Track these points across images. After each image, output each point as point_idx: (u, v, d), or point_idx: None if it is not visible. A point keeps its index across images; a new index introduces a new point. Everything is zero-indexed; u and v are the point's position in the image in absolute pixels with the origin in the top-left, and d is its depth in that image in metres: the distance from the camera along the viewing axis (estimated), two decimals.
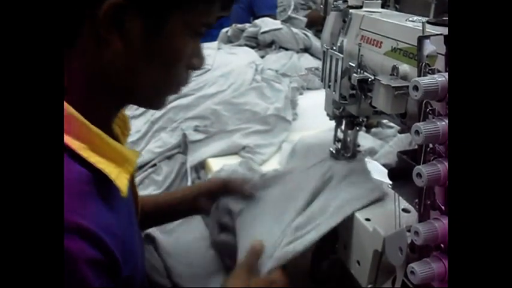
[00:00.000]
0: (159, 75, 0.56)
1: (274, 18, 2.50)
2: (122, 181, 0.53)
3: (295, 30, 1.88)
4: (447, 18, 0.57)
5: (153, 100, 0.61)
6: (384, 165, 0.94)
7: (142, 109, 1.37)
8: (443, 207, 0.49)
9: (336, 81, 0.74)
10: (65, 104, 0.50)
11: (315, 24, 2.53)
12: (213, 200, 0.87)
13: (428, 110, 0.49)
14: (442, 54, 0.50)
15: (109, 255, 0.50)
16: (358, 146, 0.86)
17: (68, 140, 0.49)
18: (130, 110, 1.38)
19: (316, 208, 0.75)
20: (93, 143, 0.51)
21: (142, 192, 1.10)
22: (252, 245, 0.73)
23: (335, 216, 0.72)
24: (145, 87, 0.57)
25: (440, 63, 0.50)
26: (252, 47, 1.85)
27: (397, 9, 1.74)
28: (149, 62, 0.54)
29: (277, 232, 0.75)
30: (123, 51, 0.52)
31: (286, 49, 1.83)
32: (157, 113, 1.34)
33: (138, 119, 1.36)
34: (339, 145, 0.86)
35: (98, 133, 0.52)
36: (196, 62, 0.61)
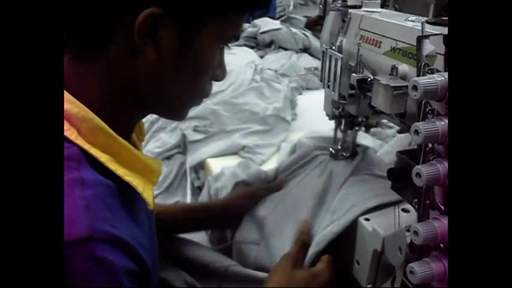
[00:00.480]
0: (187, 86, 0.56)
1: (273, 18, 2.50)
2: (148, 193, 0.53)
3: (294, 30, 1.88)
4: (446, 18, 0.58)
5: (176, 110, 0.60)
6: None
7: None
8: (442, 207, 0.49)
9: (335, 81, 0.74)
10: (94, 116, 0.49)
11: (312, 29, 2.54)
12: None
13: (427, 109, 0.49)
14: (441, 54, 0.50)
15: (142, 266, 0.49)
16: (358, 145, 0.86)
17: (95, 152, 0.49)
18: None
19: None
20: (120, 155, 0.51)
21: None
22: (301, 226, 0.74)
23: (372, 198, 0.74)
24: (172, 97, 0.56)
25: (439, 63, 0.50)
26: (251, 47, 1.85)
27: (396, 9, 1.74)
28: (179, 73, 0.54)
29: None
30: (157, 61, 0.51)
31: (286, 49, 1.83)
32: None
33: None
34: (339, 145, 0.86)
35: (124, 145, 0.52)
36: (219, 73, 0.60)
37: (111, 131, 0.51)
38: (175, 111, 0.60)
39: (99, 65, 0.51)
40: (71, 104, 0.49)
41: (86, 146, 0.48)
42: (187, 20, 0.51)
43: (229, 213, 0.88)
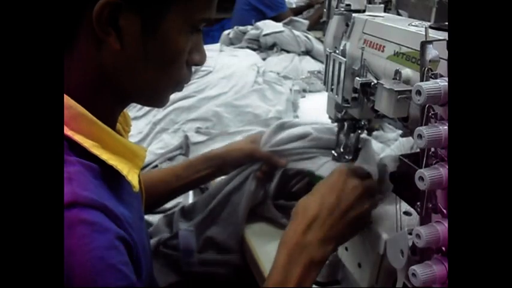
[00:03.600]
0: (159, 73, 0.56)
1: (287, 14, 2.50)
2: (133, 176, 0.54)
3: (296, 32, 1.88)
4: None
5: (154, 98, 0.61)
6: None
7: (144, 110, 1.38)
8: (444, 211, 0.50)
9: (338, 84, 0.74)
10: (75, 103, 0.50)
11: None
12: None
13: (430, 114, 0.49)
14: (444, 59, 0.50)
15: (130, 239, 0.50)
16: (360, 149, 0.87)
17: (79, 138, 0.49)
18: (132, 112, 1.39)
19: None
20: (104, 140, 0.52)
21: None
22: None
23: None
24: (146, 85, 0.57)
25: (442, 68, 0.50)
26: (254, 49, 1.86)
27: (398, 14, 1.75)
28: (148, 61, 0.54)
29: None
30: (122, 50, 0.52)
31: (288, 51, 1.84)
32: (159, 115, 1.34)
33: (140, 120, 1.37)
34: (341, 148, 0.86)
35: (107, 131, 0.53)
36: (197, 57, 0.60)
37: (94, 117, 0.51)
38: (153, 98, 0.60)
39: (71, 58, 0.52)
40: None
41: (69, 133, 0.49)
42: (148, 7, 0.51)
43: (226, 163, 0.94)
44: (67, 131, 0.49)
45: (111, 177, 0.52)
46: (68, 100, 0.50)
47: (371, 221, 0.65)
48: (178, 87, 0.61)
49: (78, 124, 0.50)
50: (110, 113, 0.59)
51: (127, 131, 0.69)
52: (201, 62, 0.61)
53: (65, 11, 0.48)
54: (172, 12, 0.52)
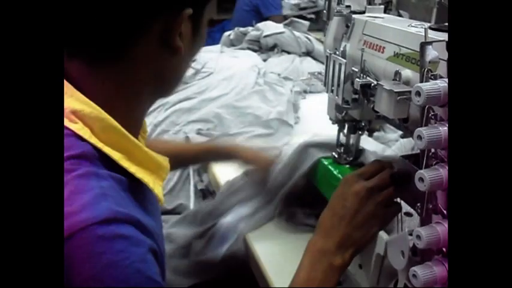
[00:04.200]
0: (189, 66, 0.62)
1: (282, 18, 2.51)
2: (158, 189, 0.55)
3: (297, 33, 1.88)
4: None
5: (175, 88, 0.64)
6: None
7: None
8: (445, 212, 0.50)
9: (338, 85, 0.74)
10: (106, 115, 0.51)
11: None
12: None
13: (430, 115, 0.49)
14: (444, 60, 0.50)
15: (159, 250, 0.50)
16: (361, 150, 0.87)
17: (108, 151, 0.50)
18: None
19: None
20: (131, 153, 0.53)
21: None
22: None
23: None
24: (180, 79, 0.61)
25: (442, 69, 0.50)
26: (255, 51, 1.86)
27: (399, 14, 1.75)
28: (191, 57, 0.60)
29: None
30: (184, 54, 0.55)
31: (289, 52, 1.84)
32: (160, 116, 1.35)
33: None
34: (341, 149, 0.86)
35: (135, 143, 0.53)
36: None
37: (123, 129, 0.52)
38: (174, 89, 0.63)
39: (120, 68, 0.53)
40: (84, 104, 0.50)
41: (99, 145, 0.50)
42: (196, 11, 0.54)
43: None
44: (98, 143, 0.50)
45: (137, 189, 0.52)
46: (100, 113, 0.51)
47: (397, 209, 0.66)
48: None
49: (108, 136, 0.51)
50: (139, 120, 0.60)
51: (144, 138, 0.70)
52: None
53: (128, 24, 0.50)
54: (205, 12, 0.57)
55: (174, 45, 0.53)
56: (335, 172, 0.86)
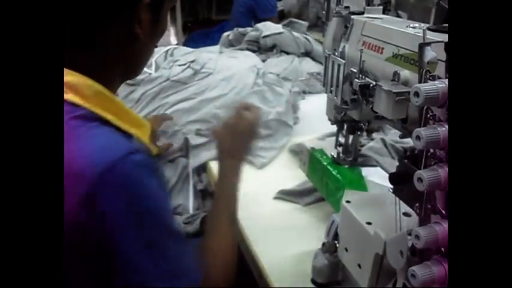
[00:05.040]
0: (153, 49, 0.70)
1: (276, 19, 2.53)
2: (148, 142, 0.63)
3: (296, 34, 1.89)
4: (447, 25, 0.58)
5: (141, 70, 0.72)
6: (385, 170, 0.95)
7: (144, 113, 1.38)
8: (443, 211, 0.50)
9: (337, 86, 0.74)
10: (93, 82, 0.59)
11: None
12: None
13: (429, 115, 0.49)
14: (442, 61, 0.50)
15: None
16: (360, 149, 0.87)
17: (101, 112, 0.58)
18: None
19: None
20: (119, 113, 0.60)
21: None
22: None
23: None
24: (145, 61, 0.70)
25: (440, 69, 0.51)
26: (254, 51, 1.86)
27: (398, 15, 1.75)
28: (152, 42, 0.67)
29: None
30: (143, 38, 0.62)
31: (288, 53, 1.84)
32: None
33: None
34: (340, 149, 0.86)
35: (121, 105, 0.62)
36: None
37: (110, 93, 0.61)
38: (141, 71, 0.72)
39: (92, 53, 0.61)
40: (70, 75, 0.57)
41: (93, 108, 0.57)
42: (155, 1, 0.62)
43: None
44: (91, 107, 0.57)
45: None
46: (87, 80, 0.58)
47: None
48: None
49: (98, 99, 0.58)
50: (115, 89, 0.68)
51: None
52: None
53: (101, 14, 0.58)
54: (165, 2, 0.65)
55: (134, 32, 0.61)
56: (334, 172, 0.87)
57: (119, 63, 0.64)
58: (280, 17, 2.79)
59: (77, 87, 0.57)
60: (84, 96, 0.57)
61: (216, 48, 1.74)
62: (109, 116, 0.59)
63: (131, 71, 0.69)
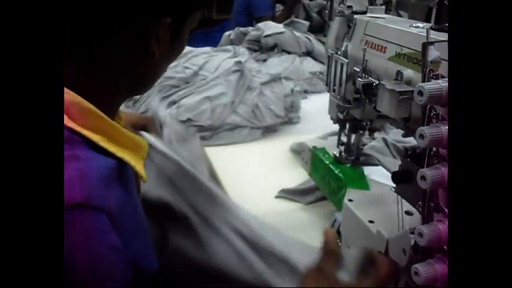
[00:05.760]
0: (166, 68, 0.65)
1: (272, 18, 2.53)
2: (140, 168, 0.57)
3: (297, 33, 1.89)
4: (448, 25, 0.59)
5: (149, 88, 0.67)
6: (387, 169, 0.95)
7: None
8: (446, 210, 0.50)
9: (340, 85, 0.75)
10: (81, 99, 0.53)
11: None
12: None
13: (432, 114, 0.50)
14: (445, 60, 0.51)
15: (126, 236, 0.52)
16: (362, 149, 0.88)
17: (87, 133, 0.52)
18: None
19: None
20: (110, 134, 0.55)
21: None
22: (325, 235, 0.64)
23: None
24: (156, 80, 0.65)
25: (444, 68, 0.51)
26: (255, 51, 1.86)
27: (399, 15, 1.75)
28: (168, 62, 0.63)
29: None
30: (158, 57, 0.57)
31: (289, 52, 1.84)
32: None
33: None
34: (343, 148, 0.87)
35: (113, 125, 0.56)
36: None
37: (99, 111, 0.54)
38: (149, 88, 0.67)
39: (92, 64, 0.55)
40: None
41: (78, 128, 0.51)
42: (177, 18, 0.57)
43: None
44: (76, 127, 0.51)
45: (118, 169, 0.54)
46: (74, 97, 0.52)
47: None
48: None
49: (85, 119, 0.52)
50: (116, 106, 0.63)
51: (121, 125, 0.70)
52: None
53: (105, 22, 0.53)
54: (188, 20, 0.60)
55: (149, 49, 0.56)
56: (336, 171, 0.87)
57: (126, 78, 0.59)
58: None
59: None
60: (69, 116, 0.51)
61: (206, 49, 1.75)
62: (95, 137, 0.53)
63: (139, 88, 0.65)
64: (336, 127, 0.89)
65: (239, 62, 1.49)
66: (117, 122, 0.69)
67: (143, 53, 0.56)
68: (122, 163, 0.55)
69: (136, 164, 0.57)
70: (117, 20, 0.53)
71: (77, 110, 0.52)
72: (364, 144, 0.88)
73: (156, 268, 0.63)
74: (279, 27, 1.93)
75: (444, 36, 0.54)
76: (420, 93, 0.47)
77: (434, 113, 0.50)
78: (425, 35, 0.54)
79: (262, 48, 1.88)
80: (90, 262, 0.47)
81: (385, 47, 0.66)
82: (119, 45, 0.55)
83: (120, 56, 0.56)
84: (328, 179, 0.90)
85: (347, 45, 0.76)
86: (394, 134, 1.17)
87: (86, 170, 0.49)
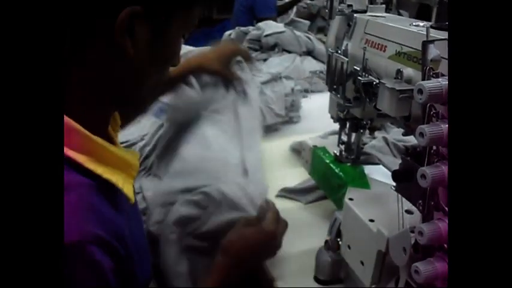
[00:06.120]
0: (157, 76, 0.59)
1: (274, 19, 2.53)
2: (128, 188, 0.54)
3: (298, 33, 1.89)
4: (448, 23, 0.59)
5: (147, 103, 0.66)
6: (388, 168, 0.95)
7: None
8: (446, 208, 0.50)
9: (340, 84, 0.75)
10: (68, 119, 0.50)
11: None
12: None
13: (432, 112, 0.50)
14: (445, 59, 0.51)
15: (120, 259, 0.51)
16: (362, 148, 0.88)
17: (72, 154, 0.49)
18: None
19: None
20: (97, 154, 0.52)
21: None
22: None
23: None
24: (146, 89, 0.59)
25: (443, 67, 0.51)
26: (255, 50, 1.86)
27: (399, 14, 1.75)
28: (152, 65, 0.56)
29: None
30: (134, 57, 0.53)
31: (289, 52, 1.84)
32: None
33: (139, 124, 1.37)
34: (343, 147, 0.87)
35: (100, 144, 0.53)
36: (177, 59, 0.62)
37: (86, 131, 0.51)
38: (144, 104, 0.65)
39: (75, 67, 0.52)
40: None
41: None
42: (159, 14, 0.53)
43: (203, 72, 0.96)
44: None
45: (107, 190, 0.52)
46: None
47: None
48: (157, 91, 0.67)
49: (71, 139, 0.49)
50: (104, 119, 0.59)
51: (116, 130, 0.68)
52: (177, 64, 0.63)
53: (80, 22, 0.49)
54: (175, 19, 0.55)
55: (121, 47, 0.51)
56: (336, 170, 0.87)
57: (106, 84, 0.54)
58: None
59: None
60: None
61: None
62: (81, 158, 0.50)
63: (125, 96, 0.58)
64: (336, 126, 0.89)
65: (239, 62, 1.49)
66: (112, 131, 0.66)
67: (118, 53, 0.52)
68: (111, 183, 0.53)
69: (124, 184, 0.54)
70: (82, 21, 0.50)
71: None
72: (364, 143, 0.88)
73: (149, 277, 0.64)
74: (279, 26, 1.94)
75: (444, 34, 0.54)
76: (420, 91, 0.47)
77: (434, 111, 0.50)
78: (425, 33, 0.54)
79: (263, 48, 1.88)
80: None
81: (385, 46, 0.66)
82: (93, 48, 0.52)
83: (96, 60, 0.52)
84: (329, 178, 0.90)
85: (347, 44, 0.76)
86: (395, 133, 1.17)
87: (74, 202, 0.47)
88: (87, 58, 0.52)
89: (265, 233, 0.73)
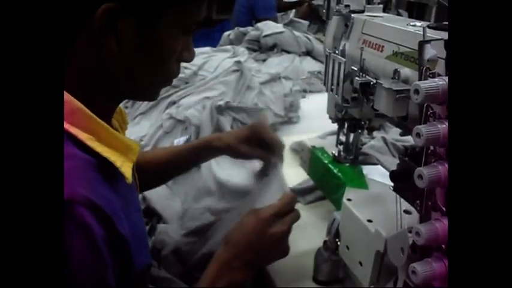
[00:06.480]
0: (151, 71, 0.60)
1: (275, 20, 2.54)
2: (126, 169, 0.56)
3: (297, 33, 1.89)
4: (447, 23, 0.59)
5: (147, 93, 0.66)
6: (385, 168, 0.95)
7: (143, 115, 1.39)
8: (444, 208, 0.50)
9: (338, 84, 0.75)
10: (72, 99, 0.53)
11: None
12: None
13: (429, 113, 0.50)
14: (442, 59, 0.51)
15: (116, 235, 0.52)
16: (361, 148, 0.87)
17: (75, 131, 0.52)
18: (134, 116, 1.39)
19: None
20: (99, 134, 0.55)
21: None
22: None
23: None
24: (139, 83, 0.61)
25: (440, 67, 0.51)
26: (254, 50, 1.86)
27: (398, 13, 1.75)
28: (142, 60, 0.58)
29: None
30: (119, 51, 0.55)
31: (288, 52, 1.84)
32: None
33: (140, 124, 1.37)
34: (341, 148, 0.87)
35: (102, 125, 0.56)
36: (186, 55, 0.64)
37: (89, 111, 0.54)
38: (145, 93, 0.65)
39: (71, 57, 0.55)
40: None
41: (66, 126, 0.52)
42: (144, 12, 0.55)
43: (220, 146, 0.93)
44: (65, 124, 0.51)
45: (106, 169, 0.54)
46: (65, 95, 0.53)
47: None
48: (168, 82, 0.66)
49: (75, 118, 0.53)
50: (105, 109, 0.62)
51: (124, 128, 0.72)
52: (190, 60, 0.65)
53: (66, 14, 0.51)
54: (166, 16, 0.56)
55: (99, 39, 0.54)
56: (335, 170, 0.87)
57: (98, 77, 0.57)
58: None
59: None
60: None
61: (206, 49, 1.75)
62: (83, 136, 0.53)
63: (118, 91, 0.61)
64: (335, 126, 0.89)
65: (238, 62, 1.49)
66: (119, 128, 0.70)
67: (102, 48, 0.55)
68: (110, 163, 0.55)
69: (123, 164, 0.56)
70: (76, 13, 0.53)
71: (66, 108, 0.52)
72: (363, 144, 0.88)
73: (149, 263, 0.65)
74: (278, 27, 1.94)
75: (441, 34, 0.54)
76: (416, 91, 0.47)
77: (431, 111, 0.50)
78: (422, 33, 0.54)
79: (262, 48, 1.88)
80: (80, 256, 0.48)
81: (383, 46, 0.66)
82: (83, 38, 0.54)
83: (86, 50, 0.55)
84: (327, 178, 0.90)
85: (345, 45, 0.76)
86: (394, 133, 1.17)
87: (69, 169, 0.48)
88: (78, 49, 0.55)
89: (265, 222, 0.72)
